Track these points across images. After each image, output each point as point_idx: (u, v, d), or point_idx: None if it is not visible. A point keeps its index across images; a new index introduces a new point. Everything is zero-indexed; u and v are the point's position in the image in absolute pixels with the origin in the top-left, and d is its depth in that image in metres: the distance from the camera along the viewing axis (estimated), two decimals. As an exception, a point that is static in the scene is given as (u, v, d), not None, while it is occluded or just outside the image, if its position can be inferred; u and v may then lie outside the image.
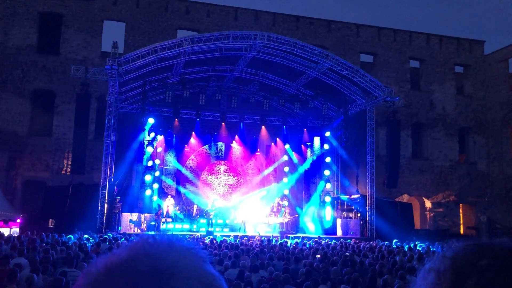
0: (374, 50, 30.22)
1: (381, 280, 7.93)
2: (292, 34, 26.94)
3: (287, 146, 25.93)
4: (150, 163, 22.75)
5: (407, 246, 15.91)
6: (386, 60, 30.18)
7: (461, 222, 30.80)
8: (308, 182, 26.66)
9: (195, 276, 0.79)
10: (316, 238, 19.02)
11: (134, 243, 0.86)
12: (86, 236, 15.49)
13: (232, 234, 20.36)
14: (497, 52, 31.51)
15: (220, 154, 26.34)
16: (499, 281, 0.79)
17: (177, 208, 23.48)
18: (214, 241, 15.52)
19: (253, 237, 18.99)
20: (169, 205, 22.86)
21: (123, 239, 15.42)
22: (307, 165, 26.39)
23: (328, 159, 25.45)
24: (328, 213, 25.12)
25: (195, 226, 22.28)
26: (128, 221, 21.25)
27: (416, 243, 16.87)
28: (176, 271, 0.77)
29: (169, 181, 24.71)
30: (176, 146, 24.89)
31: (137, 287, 0.76)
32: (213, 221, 22.08)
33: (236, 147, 26.29)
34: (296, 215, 24.49)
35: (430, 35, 31.63)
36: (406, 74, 30.69)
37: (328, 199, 25.22)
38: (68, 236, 14.61)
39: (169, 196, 23.33)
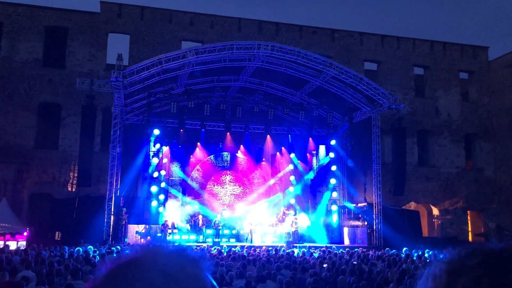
0: (378, 58, 30.25)
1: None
2: (296, 43, 27.04)
3: (292, 155, 25.89)
4: (155, 174, 22.79)
5: (416, 254, 15.75)
6: (390, 67, 30.18)
7: (470, 229, 30.51)
8: (314, 191, 26.55)
9: (157, 267, 0.90)
10: (323, 247, 18.89)
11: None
12: (90, 247, 15.47)
13: (239, 244, 20.28)
14: (502, 57, 31.43)
15: (225, 164, 26.35)
16: (488, 278, 0.83)
17: (182, 219, 23.47)
18: (222, 251, 15.46)
19: (260, 247, 18.90)
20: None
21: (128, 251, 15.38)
22: (312, 174, 26.32)
23: (334, 168, 25.36)
24: (335, 222, 25.01)
25: (201, 237, 22.22)
26: (135, 232, 21.24)
27: (425, 251, 16.70)
28: (142, 262, 0.91)
29: (175, 192, 24.71)
30: (182, 156, 24.92)
31: (107, 277, 0.91)
32: (220, 231, 22.04)
33: (242, 157, 26.29)
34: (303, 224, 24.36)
35: (433, 42, 31.64)
36: (410, 81, 30.66)
37: (334, 207, 25.12)
38: (76, 249, 14.62)
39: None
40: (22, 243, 17.70)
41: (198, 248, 17.59)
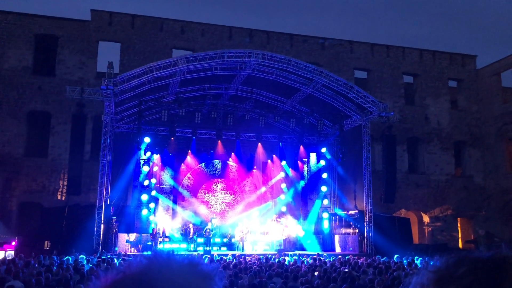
0: (367, 66, 30.49)
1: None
2: (286, 52, 27.19)
3: (283, 163, 25.93)
4: (146, 182, 22.69)
5: (406, 261, 15.80)
6: (380, 75, 30.42)
7: (460, 236, 30.69)
8: (305, 198, 26.58)
9: (169, 285, 0.86)
10: (314, 255, 18.89)
11: (137, 261, 0.95)
12: (82, 256, 15.31)
13: (230, 252, 20.21)
14: (490, 66, 31.84)
15: (216, 172, 26.30)
16: (476, 286, 0.85)
17: (173, 227, 23.34)
18: (213, 260, 15.39)
19: (251, 255, 18.84)
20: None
21: (120, 259, 15.27)
22: (304, 181, 26.37)
23: (324, 175, 25.43)
24: (326, 229, 25.03)
25: (192, 246, 22.10)
26: (125, 241, 21.08)
27: (415, 258, 16.77)
28: (152, 278, 0.86)
29: (165, 200, 24.59)
30: (172, 164, 24.85)
31: None
32: (211, 240, 21.95)
33: (233, 164, 26.27)
34: (294, 232, 24.35)
35: (423, 50, 31.97)
36: (400, 89, 30.91)
37: (325, 215, 25.16)
38: (65, 258, 14.47)
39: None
40: (10, 253, 17.46)
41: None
